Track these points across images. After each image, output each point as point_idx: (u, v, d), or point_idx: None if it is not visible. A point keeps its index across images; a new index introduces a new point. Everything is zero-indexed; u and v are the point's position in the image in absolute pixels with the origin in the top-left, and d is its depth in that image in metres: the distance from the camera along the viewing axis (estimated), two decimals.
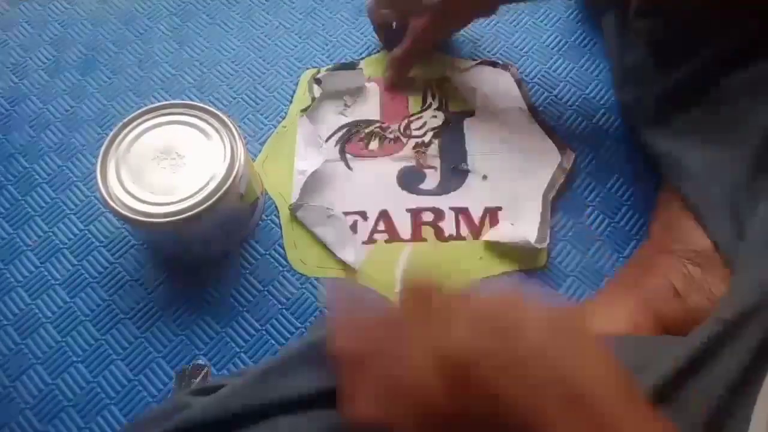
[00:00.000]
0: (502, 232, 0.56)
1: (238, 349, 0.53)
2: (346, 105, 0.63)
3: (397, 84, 0.63)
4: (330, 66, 0.65)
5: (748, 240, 0.40)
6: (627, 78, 0.58)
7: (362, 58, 0.66)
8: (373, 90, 0.64)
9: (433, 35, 0.61)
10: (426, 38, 0.60)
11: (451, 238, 0.56)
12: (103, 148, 0.50)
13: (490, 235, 0.56)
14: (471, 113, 0.62)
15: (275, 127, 0.62)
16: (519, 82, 0.63)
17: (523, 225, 0.56)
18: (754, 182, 0.43)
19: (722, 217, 0.46)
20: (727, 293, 0.38)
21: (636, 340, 0.41)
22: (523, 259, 0.55)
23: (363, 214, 0.58)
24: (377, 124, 0.62)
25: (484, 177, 0.59)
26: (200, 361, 0.52)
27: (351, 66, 0.64)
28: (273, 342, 0.53)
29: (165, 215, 0.48)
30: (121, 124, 0.51)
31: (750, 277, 0.37)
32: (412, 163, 0.60)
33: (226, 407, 0.37)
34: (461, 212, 0.57)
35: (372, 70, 0.65)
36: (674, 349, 0.36)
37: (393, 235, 0.57)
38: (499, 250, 0.56)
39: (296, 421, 0.36)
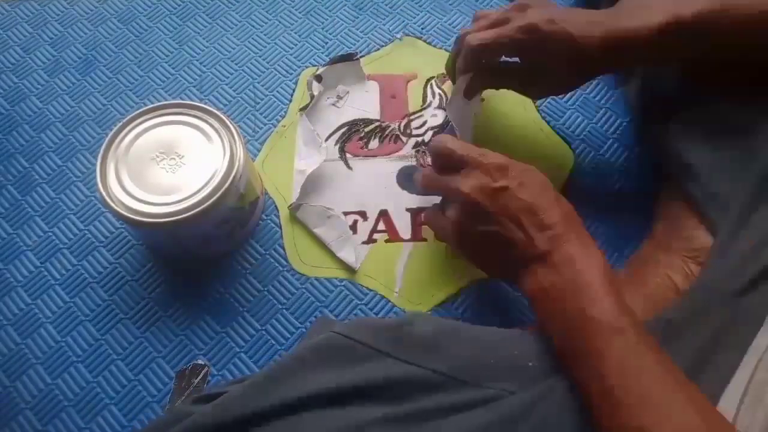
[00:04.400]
0: None
1: (238, 349, 0.53)
2: (338, 97, 0.63)
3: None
4: (327, 61, 0.65)
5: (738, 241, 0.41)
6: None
7: (362, 56, 0.66)
8: (373, 88, 0.64)
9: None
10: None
11: None
12: (102, 148, 0.50)
13: None
14: None
15: (275, 127, 0.62)
16: None
17: None
18: (761, 193, 0.43)
19: (728, 217, 0.45)
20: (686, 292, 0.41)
21: None
22: None
23: (363, 214, 0.57)
24: (377, 123, 0.62)
25: None
26: (200, 361, 0.52)
27: (348, 57, 0.64)
28: (273, 342, 0.53)
29: (164, 215, 0.48)
30: (120, 123, 0.51)
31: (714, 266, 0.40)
32: (412, 162, 0.60)
33: (228, 413, 0.37)
34: None
35: (372, 68, 0.65)
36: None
37: (393, 235, 0.57)
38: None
39: (299, 423, 0.36)
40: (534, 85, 0.51)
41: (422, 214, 0.51)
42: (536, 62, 0.49)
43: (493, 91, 0.61)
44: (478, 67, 0.51)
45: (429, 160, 0.60)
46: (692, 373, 0.35)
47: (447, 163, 0.46)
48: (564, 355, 0.38)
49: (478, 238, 0.44)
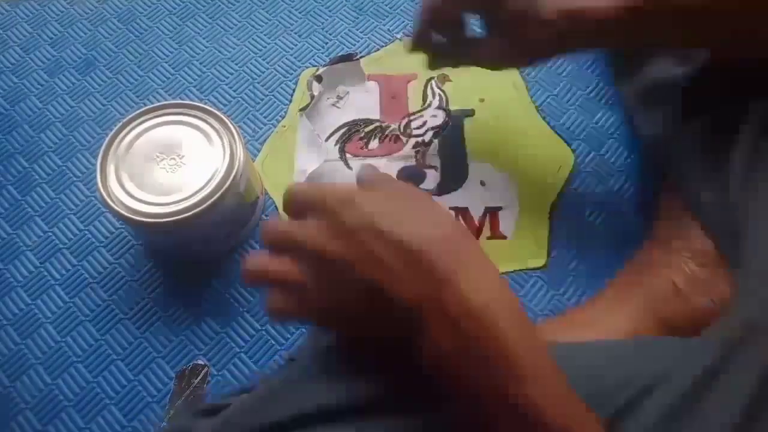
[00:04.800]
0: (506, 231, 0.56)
1: (238, 349, 0.53)
2: (339, 97, 0.63)
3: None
4: (327, 61, 0.65)
5: (749, 254, 0.39)
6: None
7: (362, 56, 0.66)
8: (373, 89, 0.64)
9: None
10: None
11: None
12: (102, 148, 0.50)
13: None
14: (471, 112, 0.62)
15: (275, 127, 0.62)
16: (519, 82, 0.63)
17: (527, 226, 0.56)
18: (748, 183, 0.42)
19: (719, 217, 0.45)
20: (731, 309, 0.38)
21: (636, 346, 0.41)
22: (523, 259, 0.55)
23: None
24: (377, 124, 0.62)
25: (482, 183, 0.58)
26: (200, 361, 0.52)
27: (348, 58, 0.64)
28: (273, 342, 0.53)
29: (165, 215, 0.48)
30: (120, 123, 0.51)
31: (755, 293, 0.36)
32: (412, 162, 0.60)
33: (232, 429, 0.36)
34: (461, 212, 0.57)
35: (372, 68, 0.65)
36: (686, 363, 0.35)
37: None
38: (499, 250, 0.56)
39: None
40: (499, 53, 0.46)
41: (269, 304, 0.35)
42: (494, 20, 0.45)
43: (492, 93, 0.62)
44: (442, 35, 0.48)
45: (429, 160, 0.60)
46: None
47: (296, 213, 0.35)
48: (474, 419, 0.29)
49: (339, 302, 0.32)
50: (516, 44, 0.44)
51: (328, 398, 0.35)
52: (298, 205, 0.34)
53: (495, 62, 0.47)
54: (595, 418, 0.29)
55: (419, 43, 0.49)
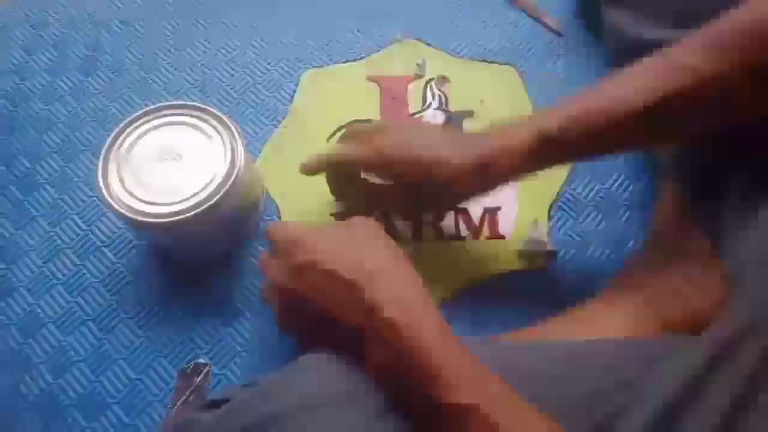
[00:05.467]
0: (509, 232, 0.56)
1: (239, 348, 0.53)
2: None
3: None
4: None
5: (745, 254, 0.40)
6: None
7: (362, 58, 0.66)
8: (374, 90, 0.64)
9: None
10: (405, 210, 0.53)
11: (451, 238, 0.57)
12: (104, 149, 0.50)
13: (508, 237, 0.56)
14: (471, 113, 0.63)
15: (276, 127, 0.63)
16: (519, 82, 0.64)
17: (527, 226, 0.56)
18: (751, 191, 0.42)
19: (717, 220, 0.45)
20: (724, 311, 0.38)
21: (636, 347, 0.41)
22: (523, 259, 0.55)
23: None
24: None
25: None
26: (201, 360, 0.52)
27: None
28: (274, 341, 0.53)
29: (166, 216, 0.48)
30: (122, 124, 0.51)
31: (747, 295, 0.37)
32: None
33: (235, 422, 0.36)
34: (461, 212, 0.58)
35: (372, 69, 0.65)
36: (675, 365, 0.35)
37: (393, 235, 0.57)
38: (499, 250, 0.56)
39: (307, 425, 0.35)
40: (401, 205, 0.51)
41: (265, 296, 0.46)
42: (402, 184, 0.48)
43: (492, 94, 0.62)
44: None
45: None
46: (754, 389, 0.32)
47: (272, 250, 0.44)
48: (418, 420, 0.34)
49: (306, 326, 0.42)
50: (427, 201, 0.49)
51: (330, 386, 0.35)
52: (271, 243, 0.43)
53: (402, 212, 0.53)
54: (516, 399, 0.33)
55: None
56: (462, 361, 0.34)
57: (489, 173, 0.43)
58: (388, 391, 0.35)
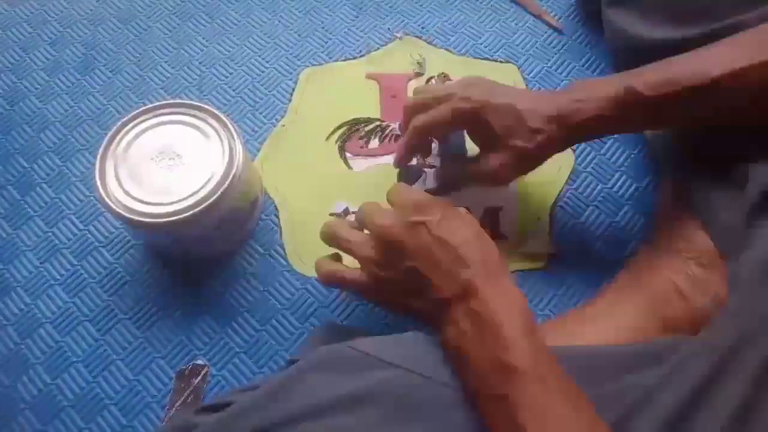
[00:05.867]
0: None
1: (238, 349, 0.53)
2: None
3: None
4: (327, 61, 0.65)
5: (746, 262, 0.40)
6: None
7: (362, 56, 0.66)
8: (373, 88, 0.64)
9: (501, 176, 0.49)
10: (498, 179, 0.50)
11: None
12: (102, 148, 0.50)
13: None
14: None
15: (274, 126, 0.62)
16: (520, 80, 0.63)
17: (527, 226, 0.56)
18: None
19: (719, 219, 0.45)
20: (724, 317, 0.38)
21: (638, 353, 0.41)
22: (523, 259, 0.55)
23: None
24: (377, 123, 0.62)
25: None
26: (200, 361, 0.52)
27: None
28: (273, 342, 0.53)
29: (164, 215, 0.47)
30: (120, 123, 0.51)
31: (748, 304, 0.37)
32: (413, 162, 0.60)
33: (239, 425, 0.36)
34: None
35: (372, 68, 0.65)
36: (681, 370, 0.35)
37: None
38: (500, 249, 0.55)
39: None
40: (497, 166, 0.48)
41: (319, 269, 0.47)
42: (485, 140, 0.48)
43: None
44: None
45: (429, 160, 0.60)
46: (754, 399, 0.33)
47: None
48: (479, 402, 0.36)
49: (393, 278, 0.42)
50: (510, 156, 0.47)
51: (330, 394, 0.35)
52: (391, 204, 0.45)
53: (495, 175, 0.49)
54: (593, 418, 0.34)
55: (404, 165, 0.56)
56: (528, 331, 0.36)
57: (571, 123, 0.44)
58: (454, 364, 0.38)
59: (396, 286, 0.42)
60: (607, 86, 0.44)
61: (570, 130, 0.45)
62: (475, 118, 0.47)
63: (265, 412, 0.36)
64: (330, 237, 0.47)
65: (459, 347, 0.37)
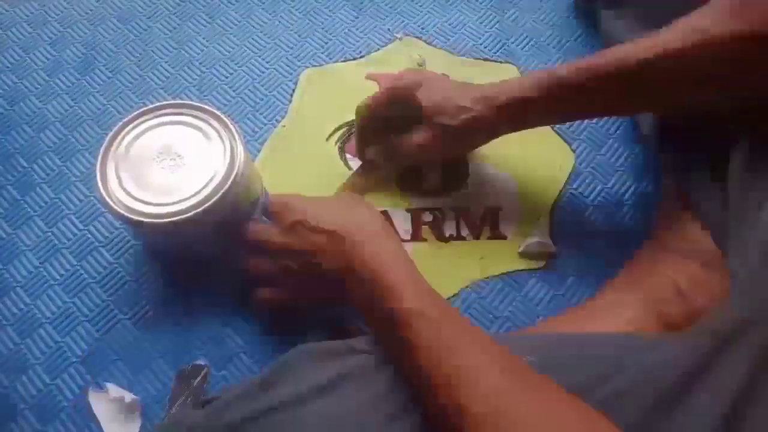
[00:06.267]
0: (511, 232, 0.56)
1: (237, 349, 0.52)
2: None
3: (366, 167, 0.59)
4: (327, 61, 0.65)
5: (747, 253, 0.40)
6: None
7: (362, 56, 0.66)
8: (373, 88, 0.64)
9: (426, 152, 0.53)
10: (423, 154, 0.54)
11: (451, 238, 0.56)
12: (102, 148, 0.50)
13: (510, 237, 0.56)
14: None
15: (275, 127, 0.62)
16: None
17: (527, 226, 0.56)
18: (751, 183, 0.42)
19: (716, 213, 0.45)
20: (722, 305, 0.38)
21: (627, 338, 0.41)
22: (523, 259, 0.55)
23: None
24: None
25: (482, 183, 0.58)
26: (200, 361, 0.52)
27: None
28: (272, 343, 0.53)
29: (164, 215, 0.47)
30: (120, 123, 0.51)
31: (747, 292, 0.37)
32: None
33: (225, 416, 0.37)
34: (462, 212, 0.57)
35: (372, 68, 0.65)
36: (672, 359, 0.35)
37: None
38: (499, 250, 0.56)
39: (293, 418, 0.36)
40: (423, 140, 0.52)
41: (255, 296, 0.51)
42: (416, 118, 0.52)
43: None
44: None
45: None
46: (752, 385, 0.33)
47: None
48: (388, 355, 0.39)
49: (302, 277, 0.47)
50: (434, 132, 0.51)
51: (314, 381, 0.37)
52: (275, 210, 0.50)
53: (418, 149, 0.53)
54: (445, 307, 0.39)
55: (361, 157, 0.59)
56: (410, 276, 0.40)
57: (496, 104, 0.48)
58: (370, 325, 0.42)
59: (304, 281, 0.48)
60: (537, 73, 0.47)
61: (497, 111, 0.48)
62: (407, 96, 0.52)
63: (252, 402, 0.37)
64: (253, 270, 0.51)
65: (361, 309, 0.42)
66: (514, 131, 0.51)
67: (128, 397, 0.50)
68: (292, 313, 0.52)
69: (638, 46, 0.42)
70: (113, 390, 0.50)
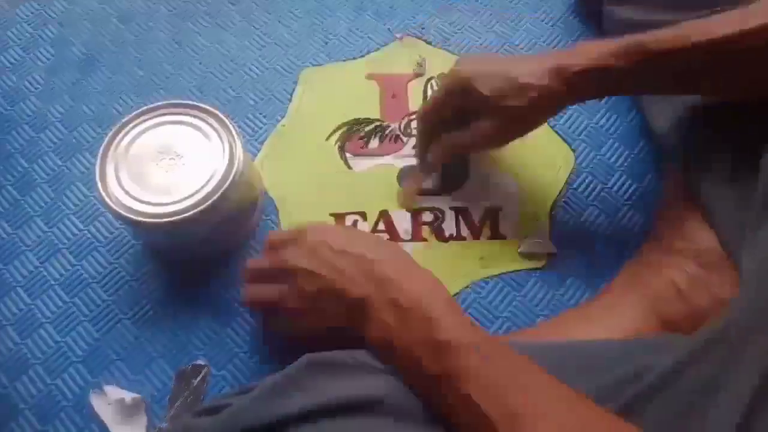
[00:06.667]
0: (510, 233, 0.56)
1: (237, 349, 0.52)
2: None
3: (425, 168, 0.58)
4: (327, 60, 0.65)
5: (755, 252, 0.40)
6: None
7: (362, 56, 0.66)
8: (373, 88, 0.64)
9: (493, 141, 0.51)
10: (493, 142, 0.52)
11: (451, 238, 0.56)
12: (102, 148, 0.50)
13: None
14: None
15: (275, 126, 0.62)
16: None
17: (527, 226, 0.56)
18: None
19: (728, 213, 0.45)
20: (731, 306, 0.38)
21: (638, 345, 0.41)
22: (523, 259, 0.55)
23: (363, 215, 0.57)
24: (377, 123, 0.62)
25: (482, 183, 0.58)
26: (200, 362, 0.52)
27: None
28: (272, 343, 0.53)
29: (164, 215, 0.47)
30: (120, 123, 0.51)
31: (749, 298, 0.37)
32: (413, 162, 0.60)
33: (235, 426, 0.36)
34: (461, 212, 0.57)
35: (372, 68, 0.65)
36: (688, 366, 0.35)
37: (393, 235, 0.57)
38: (499, 250, 0.56)
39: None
40: (491, 129, 0.49)
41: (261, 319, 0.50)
42: (479, 109, 0.49)
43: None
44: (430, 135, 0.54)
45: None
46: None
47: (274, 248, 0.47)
48: (420, 389, 0.36)
49: (313, 303, 0.43)
50: (502, 117, 0.48)
51: (328, 397, 0.35)
52: (276, 243, 0.47)
53: (487, 139, 0.50)
54: (537, 369, 0.35)
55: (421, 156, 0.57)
56: (449, 306, 0.38)
57: (569, 74, 0.44)
58: (386, 361, 0.38)
59: (317, 309, 0.43)
60: (612, 41, 0.44)
61: (567, 82, 0.45)
62: (465, 89, 0.48)
63: (264, 411, 0.36)
64: (252, 299, 0.48)
65: (385, 340, 0.38)
66: (581, 102, 0.49)
67: (129, 397, 0.50)
68: (310, 342, 0.43)
69: (722, 21, 0.41)
70: (112, 392, 0.50)
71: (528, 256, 0.55)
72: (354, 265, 0.41)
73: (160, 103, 0.52)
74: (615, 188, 0.58)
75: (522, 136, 0.51)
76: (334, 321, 0.43)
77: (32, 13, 0.70)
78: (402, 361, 0.37)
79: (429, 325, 0.36)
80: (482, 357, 0.34)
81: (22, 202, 0.59)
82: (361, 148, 0.61)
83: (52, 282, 0.56)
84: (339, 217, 0.57)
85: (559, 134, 0.61)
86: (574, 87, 0.45)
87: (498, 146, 0.53)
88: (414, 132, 0.61)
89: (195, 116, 0.52)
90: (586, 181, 0.58)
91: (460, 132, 0.51)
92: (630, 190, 0.58)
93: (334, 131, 0.62)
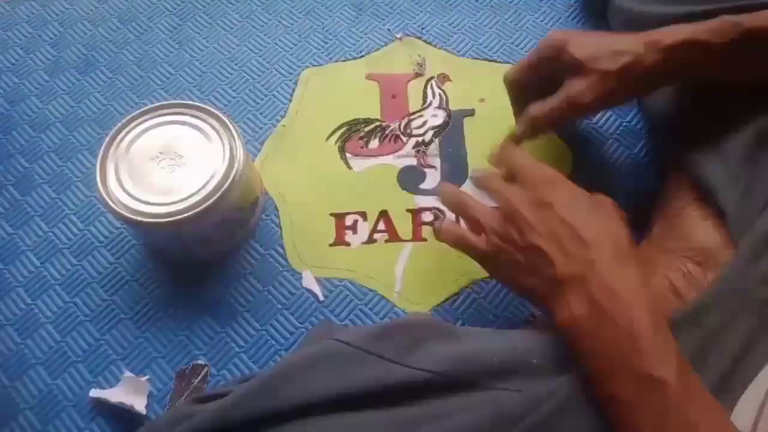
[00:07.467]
0: None
1: (238, 349, 0.53)
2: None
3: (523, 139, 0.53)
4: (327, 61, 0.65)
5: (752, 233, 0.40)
6: None
7: (362, 56, 0.66)
8: (373, 88, 0.64)
9: (580, 105, 0.48)
10: (583, 104, 0.48)
11: None
12: (102, 148, 0.50)
13: None
14: (471, 112, 0.62)
15: (275, 127, 0.62)
16: None
17: None
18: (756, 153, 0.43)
19: (730, 187, 0.45)
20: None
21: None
22: None
23: (363, 214, 0.57)
24: (377, 123, 0.62)
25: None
26: (200, 361, 0.52)
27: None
28: (273, 342, 0.53)
29: (164, 215, 0.48)
30: (120, 123, 0.51)
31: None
32: (413, 162, 0.60)
33: (229, 416, 0.36)
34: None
35: (372, 68, 0.65)
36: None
37: (393, 235, 0.57)
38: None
39: (305, 428, 0.36)
40: (587, 88, 0.47)
41: (434, 226, 0.49)
42: (570, 73, 0.48)
43: (492, 93, 0.61)
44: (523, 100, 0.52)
45: (429, 159, 0.60)
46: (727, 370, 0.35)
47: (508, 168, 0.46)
48: (597, 393, 0.35)
49: (511, 251, 0.42)
50: (593, 79, 0.47)
51: (328, 389, 0.36)
52: (509, 167, 0.46)
53: (578, 98, 0.48)
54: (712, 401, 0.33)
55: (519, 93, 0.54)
56: (662, 335, 0.35)
57: (664, 45, 0.44)
58: (568, 338, 0.37)
59: (513, 259, 0.42)
60: (705, 22, 0.43)
61: (662, 53, 0.44)
62: (558, 52, 0.48)
63: (263, 400, 0.36)
64: (456, 203, 0.48)
65: (574, 332, 0.37)
66: (674, 81, 0.49)
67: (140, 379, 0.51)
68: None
69: None
70: (128, 374, 0.51)
71: None
72: (572, 243, 0.39)
73: (160, 104, 0.52)
74: (615, 188, 0.58)
75: (615, 104, 0.51)
76: (522, 284, 0.42)
77: (32, 13, 0.70)
78: (589, 362, 0.36)
79: (634, 347, 0.34)
80: (666, 398, 0.32)
81: (23, 202, 0.59)
82: (361, 148, 0.61)
83: (53, 282, 0.56)
84: (339, 217, 0.57)
85: (559, 134, 0.61)
86: (668, 59, 0.44)
87: (585, 113, 0.53)
88: (414, 132, 0.61)
89: (195, 116, 0.52)
90: (586, 181, 0.58)
91: (552, 98, 0.49)
92: (629, 190, 0.58)
93: (334, 131, 0.62)
